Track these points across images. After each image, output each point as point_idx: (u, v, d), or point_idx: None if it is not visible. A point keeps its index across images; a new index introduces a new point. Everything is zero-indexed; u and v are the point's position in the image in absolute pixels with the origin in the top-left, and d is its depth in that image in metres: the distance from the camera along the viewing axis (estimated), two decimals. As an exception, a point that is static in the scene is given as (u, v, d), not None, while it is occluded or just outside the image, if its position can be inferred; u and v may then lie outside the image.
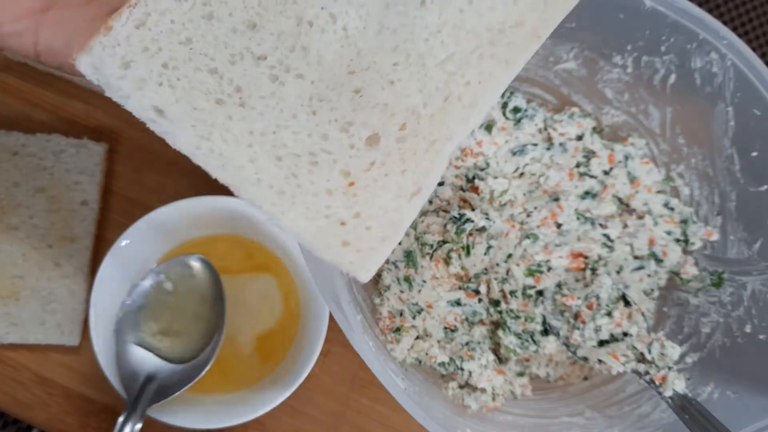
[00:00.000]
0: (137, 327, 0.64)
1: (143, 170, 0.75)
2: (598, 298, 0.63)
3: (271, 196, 0.42)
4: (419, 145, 0.45)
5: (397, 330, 0.66)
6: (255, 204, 0.42)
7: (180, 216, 0.66)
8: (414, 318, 0.66)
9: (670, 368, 0.59)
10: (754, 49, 0.60)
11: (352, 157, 0.44)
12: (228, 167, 0.42)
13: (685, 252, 0.69)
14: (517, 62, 0.46)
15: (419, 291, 0.66)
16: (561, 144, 0.71)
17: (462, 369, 0.64)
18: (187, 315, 0.65)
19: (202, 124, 0.42)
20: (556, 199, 0.68)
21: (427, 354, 0.65)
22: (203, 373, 0.61)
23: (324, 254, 0.43)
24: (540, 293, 0.66)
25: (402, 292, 0.67)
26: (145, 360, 0.63)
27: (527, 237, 0.66)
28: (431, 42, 0.45)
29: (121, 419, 0.57)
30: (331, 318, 0.64)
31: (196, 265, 0.65)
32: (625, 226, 0.69)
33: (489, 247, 0.66)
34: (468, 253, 0.66)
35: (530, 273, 0.66)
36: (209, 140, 0.42)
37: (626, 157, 0.71)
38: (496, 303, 0.67)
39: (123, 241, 0.65)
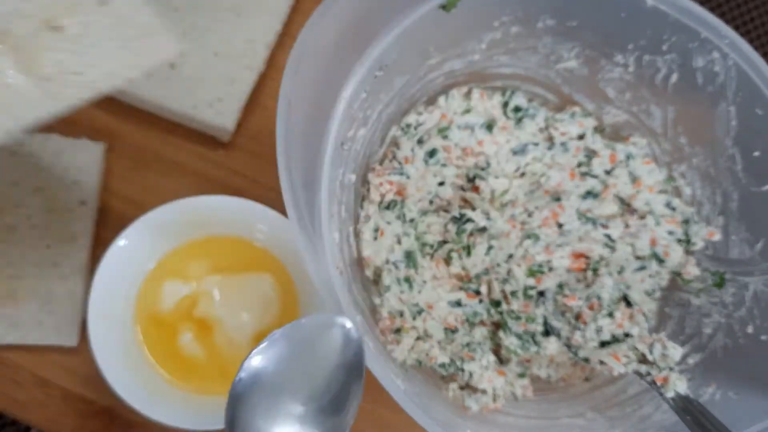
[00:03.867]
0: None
1: (142, 170, 0.75)
2: (599, 298, 0.63)
3: None
4: None
5: (398, 331, 0.66)
6: None
7: (179, 216, 0.66)
8: (414, 319, 0.66)
9: (671, 369, 0.59)
10: (756, 48, 0.60)
11: None
12: None
13: (687, 252, 0.69)
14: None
15: (419, 291, 0.66)
16: (562, 143, 0.71)
17: (462, 370, 0.64)
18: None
19: None
20: (558, 199, 0.68)
21: (427, 355, 0.65)
22: None
23: None
24: (541, 294, 0.66)
25: (402, 292, 0.66)
26: None
27: (528, 237, 0.66)
28: None
29: None
30: (331, 318, 0.63)
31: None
32: (627, 226, 0.69)
33: (490, 248, 0.65)
34: (469, 253, 0.65)
35: (531, 273, 0.65)
36: None
37: (628, 157, 0.70)
38: (496, 303, 0.66)
39: (121, 241, 0.64)
